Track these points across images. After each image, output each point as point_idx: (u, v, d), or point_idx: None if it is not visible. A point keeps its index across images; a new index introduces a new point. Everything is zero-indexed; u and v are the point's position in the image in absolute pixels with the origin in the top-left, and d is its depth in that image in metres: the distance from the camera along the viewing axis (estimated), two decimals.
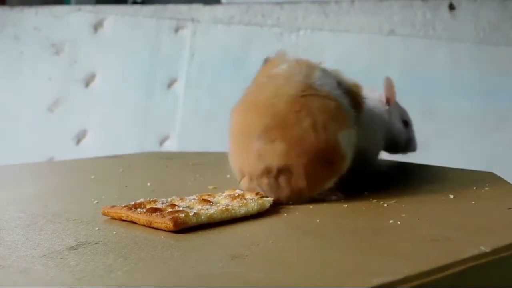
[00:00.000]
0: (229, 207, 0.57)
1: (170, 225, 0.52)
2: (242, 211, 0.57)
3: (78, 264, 0.43)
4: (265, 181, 0.63)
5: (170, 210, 0.55)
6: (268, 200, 0.60)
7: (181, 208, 0.56)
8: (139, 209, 0.56)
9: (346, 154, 0.65)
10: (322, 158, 0.63)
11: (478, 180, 0.74)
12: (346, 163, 0.65)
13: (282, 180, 0.62)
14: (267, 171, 0.62)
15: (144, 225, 0.54)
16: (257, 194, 0.61)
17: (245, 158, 0.64)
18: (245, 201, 0.58)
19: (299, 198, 0.63)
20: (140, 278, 0.41)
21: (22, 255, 0.46)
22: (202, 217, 0.54)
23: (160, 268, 0.42)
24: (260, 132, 0.63)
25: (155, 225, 0.53)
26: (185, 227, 0.52)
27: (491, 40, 1.42)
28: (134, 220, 0.55)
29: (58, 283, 0.40)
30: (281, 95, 0.64)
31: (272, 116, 0.63)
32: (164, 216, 0.53)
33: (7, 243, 0.49)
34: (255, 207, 0.58)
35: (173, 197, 0.61)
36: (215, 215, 0.55)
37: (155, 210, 0.55)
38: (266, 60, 0.72)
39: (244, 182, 0.64)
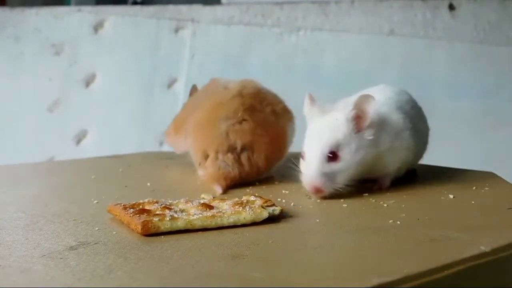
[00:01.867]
0: (218, 214, 0.54)
1: (139, 229, 0.51)
2: (231, 219, 0.53)
3: (78, 264, 0.43)
4: (230, 156, 0.72)
5: (145, 213, 0.53)
6: (274, 209, 0.57)
7: (171, 212, 0.54)
8: (131, 209, 0.55)
9: (290, 143, 0.78)
10: (277, 141, 0.76)
11: (478, 180, 0.74)
12: (287, 151, 0.78)
13: (243, 157, 0.73)
14: (232, 148, 0.73)
15: (128, 226, 0.53)
16: (266, 201, 0.58)
17: (211, 138, 0.74)
18: (240, 209, 0.55)
19: (256, 175, 0.74)
20: (140, 278, 0.41)
21: (22, 255, 0.46)
22: (179, 223, 0.52)
23: (160, 268, 0.42)
24: (229, 113, 0.73)
25: (131, 227, 0.52)
26: (156, 232, 0.51)
27: (491, 40, 1.42)
28: (122, 220, 0.55)
29: (58, 283, 0.40)
30: (246, 91, 0.77)
31: (240, 103, 0.74)
32: (140, 219, 0.51)
33: (7, 243, 0.49)
34: (249, 216, 0.54)
35: (180, 200, 0.59)
36: (195, 222, 0.52)
37: (143, 211, 0.54)
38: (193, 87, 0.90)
39: (208, 162, 0.74)
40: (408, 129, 0.71)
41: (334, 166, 0.65)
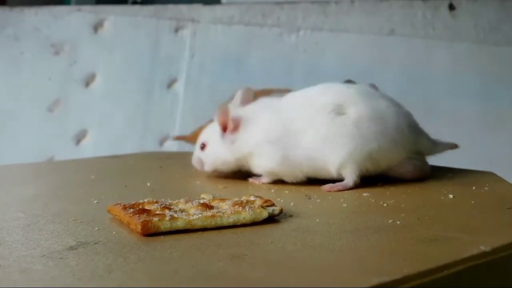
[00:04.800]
0: (218, 213, 0.54)
1: (138, 229, 0.51)
2: (231, 219, 0.53)
3: (78, 264, 0.43)
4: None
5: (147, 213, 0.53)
6: (274, 209, 0.57)
7: (171, 212, 0.54)
8: (131, 209, 0.55)
9: None
10: None
11: (478, 180, 0.74)
12: None
13: None
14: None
15: (128, 226, 0.53)
16: (266, 201, 0.58)
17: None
18: (240, 209, 0.55)
19: None
20: (140, 278, 0.41)
21: (22, 255, 0.46)
22: (179, 223, 0.52)
23: (160, 268, 0.42)
24: None
25: (131, 226, 0.52)
26: (156, 232, 0.51)
27: (491, 40, 1.42)
28: (122, 220, 0.55)
29: (58, 283, 0.40)
30: None
31: None
32: (140, 219, 0.51)
33: (7, 243, 0.49)
34: (249, 216, 0.54)
35: (180, 200, 0.59)
36: (195, 222, 0.52)
37: (143, 211, 0.54)
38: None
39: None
40: (270, 141, 0.75)
41: (202, 154, 0.81)
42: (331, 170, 0.73)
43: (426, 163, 0.77)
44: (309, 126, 0.73)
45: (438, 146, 0.78)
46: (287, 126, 0.74)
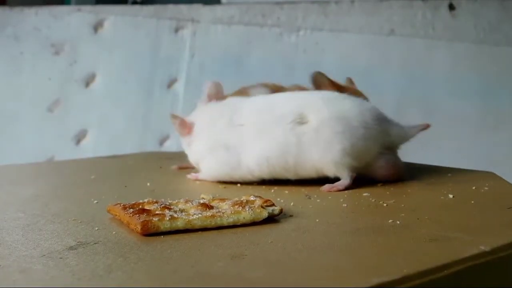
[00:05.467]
0: (218, 213, 0.54)
1: (138, 229, 0.51)
2: (231, 219, 0.53)
3: (78, 264, 0.43)
4: None
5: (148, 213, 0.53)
6: (274, 209, 0.57)
7: (171, 212, 0.54)
8: (131, 209, 0.55)
9: None
10: None
11: (478, 180, 0.74)
12: None
13: None
14: None
15: (128, 226, 0.53)
16: (266, 201, 0.58)
17: None
18: (240, 209, 0.55)
19: None
20: (139, 278, 0.41)
21: (21, 255, 0.46)
22: (178, 223, 0.52)
23: (159, 268, 0.42)
24: None
25: (130, 226, 0.52)
26: (156, 232, 0.51)
27: (491, 40, 1.42)
28: (121, 219, 0.55)
29: (58, 283, 0.40)
30: None
31: None
32: (140, 219, 0.51)
33: (7, 243, 0.49)
34: (248, 216, 0.54)
35: (180, 200, 0.59)
36: (194, 221, 0.52)
37: (142, 211, 0.54)
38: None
39: None
40: (215, 148, 0.76)
41: None
42: (312, 174, 0.74)
43: (398, 158, 0.77)
44: (265, 135, 0.74)
45: (410, 130, 0.77)
46: (239, 133, 0.75)
